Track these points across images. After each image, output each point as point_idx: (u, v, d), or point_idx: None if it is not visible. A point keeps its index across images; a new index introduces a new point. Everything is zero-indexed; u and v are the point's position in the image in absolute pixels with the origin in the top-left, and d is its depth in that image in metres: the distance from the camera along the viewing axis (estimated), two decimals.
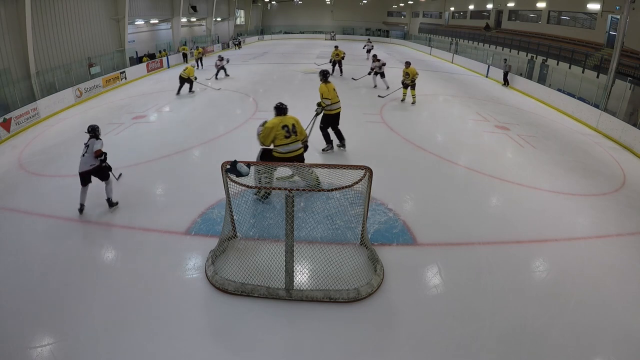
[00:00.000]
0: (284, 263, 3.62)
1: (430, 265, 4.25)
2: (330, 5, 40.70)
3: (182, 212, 5.13)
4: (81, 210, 5.10)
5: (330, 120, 7.13)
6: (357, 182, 3.65)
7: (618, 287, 4.04)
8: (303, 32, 40.13)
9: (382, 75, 13.06)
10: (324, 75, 7.10)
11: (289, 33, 40.26)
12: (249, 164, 4.18)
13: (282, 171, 5.61)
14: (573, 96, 12.16)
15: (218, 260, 4.12)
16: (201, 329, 3.39)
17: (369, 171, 3.80)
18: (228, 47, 28.69)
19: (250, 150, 5.95)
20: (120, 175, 5.97)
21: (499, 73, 17.03)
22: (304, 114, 8.82)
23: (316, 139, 7.17)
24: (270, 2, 41.49)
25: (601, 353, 3.29)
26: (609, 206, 5.83)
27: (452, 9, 31.32)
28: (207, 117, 9.97)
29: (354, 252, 4.11)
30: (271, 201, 5.22)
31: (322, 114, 7.08)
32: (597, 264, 4.42)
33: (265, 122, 5.06)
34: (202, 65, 18.56)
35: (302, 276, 3.91)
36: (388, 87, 12.51)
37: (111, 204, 5.23)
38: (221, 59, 15.39)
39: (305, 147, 5.41)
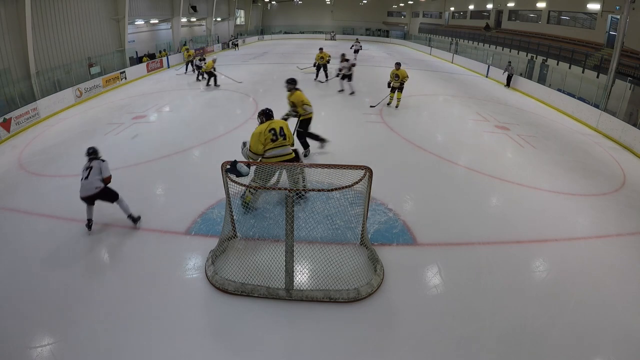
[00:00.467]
0: (284, 263, 3.62)
1: (430, 265, 4.25)
2: (330, 5, 40.70)
3: (182, 212, 5.13)
4: (89, 225, 4.70)
5: (308, 125, 6.89)
6: (357, 182, 3.65)
7: (618, 287, 4.04)
8: (303, 32, 40.12)
9: (350, 77, 12.11)
10: (294, 82, 6.75)
11: (289, 33, 40.25)
12: (249, 164, 4.18)
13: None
14: (573, 96, 12.16)
15: (218, 260, 4.12)
16: (201, 329, 3.39)
17: (369, 171, 3.80)
18: (228, 47, 28.64)
19: None
20: None
21: (499, 73, 17.04)
22: None
23: (313, 142, 7.17)
24: (270, 2, 41.48)
25: (601, 353, 3.29)
26: (609, 206, 5.83)
27: (452, 9, 31.32)
28: (207, 117, 9.97)
29: (354, 252, 4.11)
30: (259, 209, 4.99)
31: (298, 121, 6.78)
32: (597, 264, 4.42)
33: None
34: (194, 69, 16.28)
35: (302, 276, 3.91)
36: (353, 93, 12.03)
37: (134, 219, 4.82)
38: (201, 59, 15.34)
39: (296, 155, 5.15)
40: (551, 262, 4.42)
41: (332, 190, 3.56)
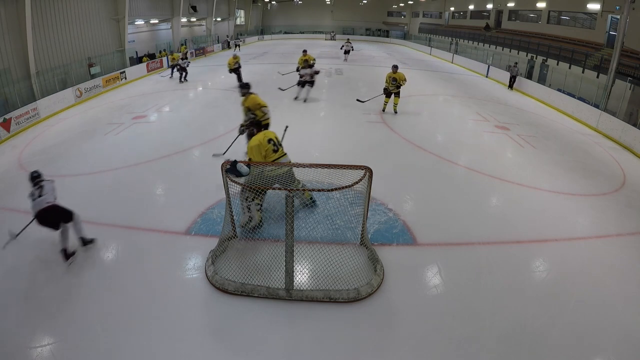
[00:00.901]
0: (284, 263, 3.62)
1: (430, 265, 4.25)
2: (330, 5, 40.69)
3: (182, 212, 5.13)
4: (66, 255, 4.11)
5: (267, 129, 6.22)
6: (357, 182, 3.65)
7: (618, 287, 4.04)
8: (303, 32, 40.11)
9: (312, 84, 11.01)
10: (248, 86, 6.43)
11: (289, 33, 40.24)
12: (249, 164, 4.18)
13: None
14: (573, 96, 12.16)
15: (218, 260, 4.12)
16: (201, 329, 3.39)
17: (369, 171, 3.80)
18: (228, 47, 28.62)
19: None
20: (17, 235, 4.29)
21: (499, 73, 17.04)
22: (304, 115, 8.87)
23: (314, 146, 7.16)
24: (270, 2, 41.47)
25: (601, 353, 3.29)
26: (609, 206, 5.83)
27: (452, 9, 31.32)
28: (207, 117, 9.97)
29: (354, 252, 4.11)
30: (263, 229, 4.67)
31: (252, 127, 6.03)
32: (597, 264, 4.42)
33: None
34: (180, 73, 15.06)
35: (302, 276, 3.91)
36: (305, 100, 11.07)
37: (86, 241, 4.35)
38: (184, 58, 15.29)
39: None
40: (551, 262, 4.42)
41: (332, 190, 3.56)
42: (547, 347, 3.26)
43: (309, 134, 8.50)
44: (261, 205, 4.51)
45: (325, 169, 3.93)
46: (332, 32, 38.49)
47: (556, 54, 15.76)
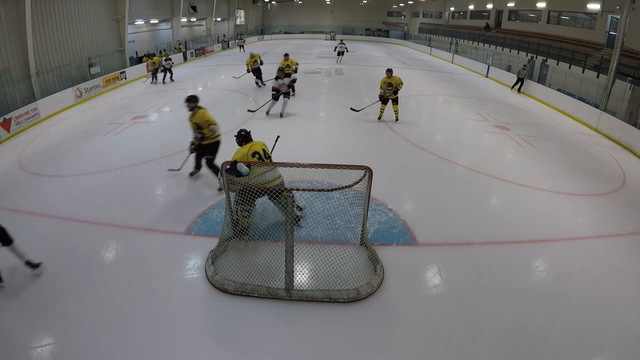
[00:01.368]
0: (284, 263, 3.62)
1: (430, 265, 4.25)
2: (330, 5, 40.70)
3: (182, 212, 5.13)
4: (32, 265, 3.94)
5: (217, 149, 5.77)
6: (357, 182, 3.65)
7: (618, 287, 4.03)
8: (303, 32, 40.12)
9: (288, 95, 9.65)
10: (196, 99, 5.77)
11: (289, 33, 40.24)
12: (248, 164, 4.17)
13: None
14: (573, 96, 12.16)
15: (218, 260, 4.12)
16: (201, 329, 3.39)
17: (368, 171, 3.80)
18: (228, 47, 28.60)
19: None
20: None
21: (499, 73, 17.04)
22: (304, 115, 8.86)
23: (314, 152, 7.16)
24: (270, 2, 41.49)
25: (601, 353, 3.29)
26: (609, 206, 5.83)
27: (452, 9, 31.33)
28: None
29: (354, 252, 4.11)
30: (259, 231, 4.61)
31: (200, 146, 5.68)
32: (597, 264, 4.42)
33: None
34: (164, 74, 14.86)
35: (302, 276, 3.91)
36: (282, 115, 9.58)
37: (33, 265, 3.98)
38: (167, 59, 15.12)
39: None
40: (551, 262, 4.42)
41: (332, 190, 3.56)
42: (547, 347, 3.26)
43: (309, 135, 8.51)
44: (249, 213, 4.31)
45: (325, 169, 3.93)
46: (332, 32, 38.50)
47: (556, 54, 15.76)
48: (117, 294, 3.74)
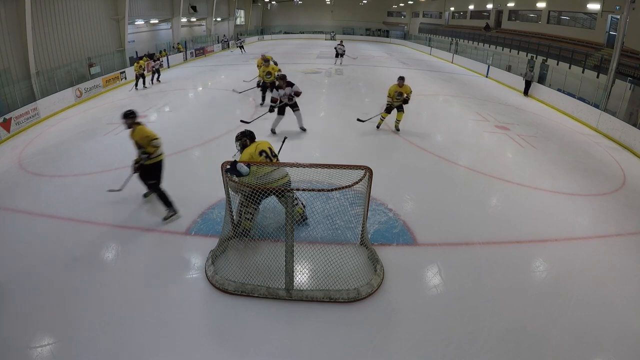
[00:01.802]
0: (284, 263, 3.62)
1: (430, 265, 4.25)
2: (330, 5, 40.70)
3: (182, 212, 5.13)
4: None
5: (160, 171, 5.10)
6: (357, 182, 3.65)
7: (618, 287, 4.03)
8: (303, 32, 40.12)
9: (297, 106, 8.32)
10: (133, 115, 5.00)
11: (289, 33, 40.25)
12: (249, 164, 4.17)
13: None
14: (573, 96, 12.16)
15: (218, 260, 4.12)
16: (201, 329, 3.39)
17: (369, 171, 3.80)
18: (228, 47, 28.57)
19: None
20: None
21: (499, 73, 17.03)
22: (303, 115, 8.83)
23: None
24: (270, 2, 41.49)
25: (601, 353, 3.29)
26: (609, 206, 5.83)
27: (452, 9, 31.34)
28: (206, 117, 9.97)
29: (354, 252, 4.11)
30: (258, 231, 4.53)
31: (144, 166, 4.98)
32: (597, 264, 4.42)
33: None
34: (152, 75, 14.47)
35: (302, 276, 3.91)
36: (304, 129, 8.58)
37: None
38: (155, 59, 15.00)
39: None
40: (551, 262, 4.42)
41: (332, 190, 3.56)
42: (547, 347, 3.26)
43: (309, 135, 8.50)
44: (253, 216, 4.30)
45: (325, 169, 3.93)
46: (332, 32, 38.50)
47: (556, 54, 15.76)
48: (117, 294, 3.74)
